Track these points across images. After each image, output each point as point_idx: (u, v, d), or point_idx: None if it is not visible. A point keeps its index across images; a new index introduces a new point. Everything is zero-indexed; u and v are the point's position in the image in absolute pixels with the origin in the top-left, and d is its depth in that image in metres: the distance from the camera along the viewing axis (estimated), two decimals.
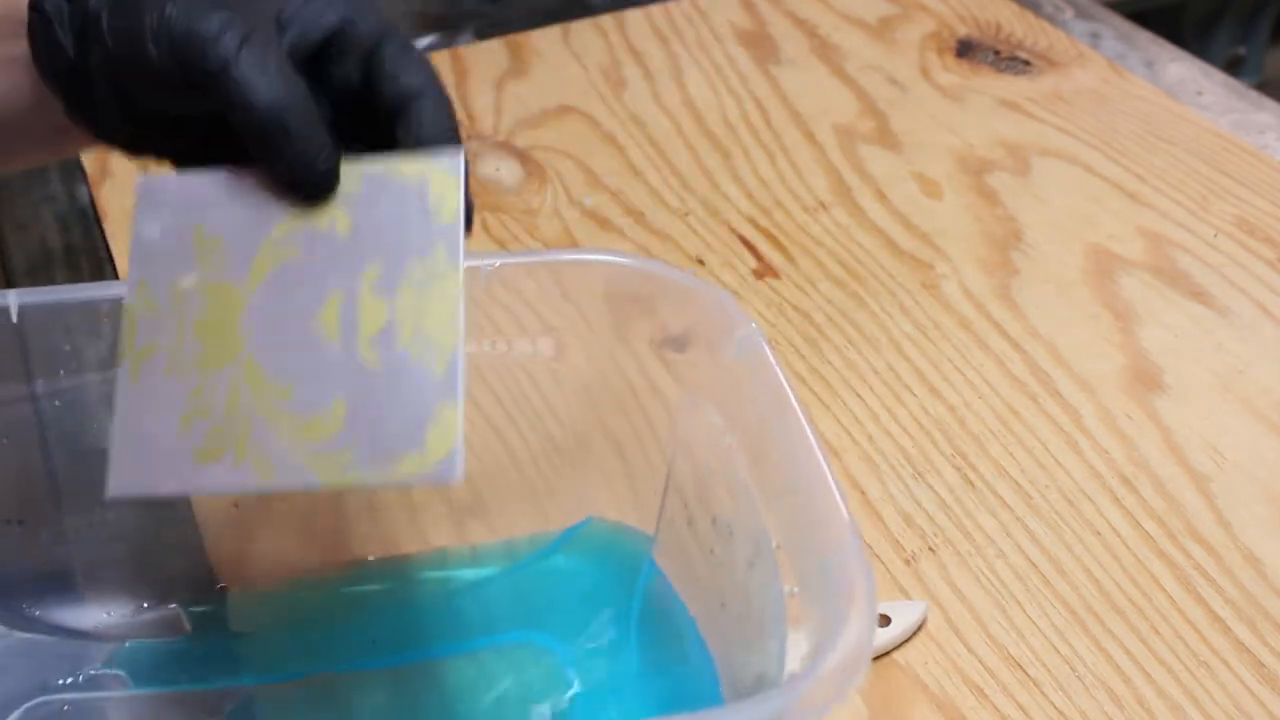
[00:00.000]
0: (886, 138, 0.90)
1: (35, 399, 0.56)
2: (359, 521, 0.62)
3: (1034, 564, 0.63)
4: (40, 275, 0.83)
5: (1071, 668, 0.58)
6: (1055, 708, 0.57)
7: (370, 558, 0.62)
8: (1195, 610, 0.61)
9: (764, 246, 0.82)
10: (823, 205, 0.85)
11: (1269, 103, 0.93)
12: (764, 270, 0.80)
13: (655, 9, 1.04)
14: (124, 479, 0.44)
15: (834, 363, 0.74)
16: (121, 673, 0.58)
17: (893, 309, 0.77)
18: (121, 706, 0.57)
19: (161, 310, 0.46)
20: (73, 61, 0.48)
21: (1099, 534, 0.64)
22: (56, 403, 0.56)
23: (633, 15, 1.03)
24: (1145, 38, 1.01)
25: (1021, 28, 1.01)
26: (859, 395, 0.72)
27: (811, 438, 0.48)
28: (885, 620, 0.59)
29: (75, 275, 0.83)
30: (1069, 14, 1.04)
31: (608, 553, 0.61)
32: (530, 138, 0.91)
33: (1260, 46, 1.65)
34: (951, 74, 0.96)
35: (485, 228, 0.83)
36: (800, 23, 1.02)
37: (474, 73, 0.97)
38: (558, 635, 0.59)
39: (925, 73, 0.96)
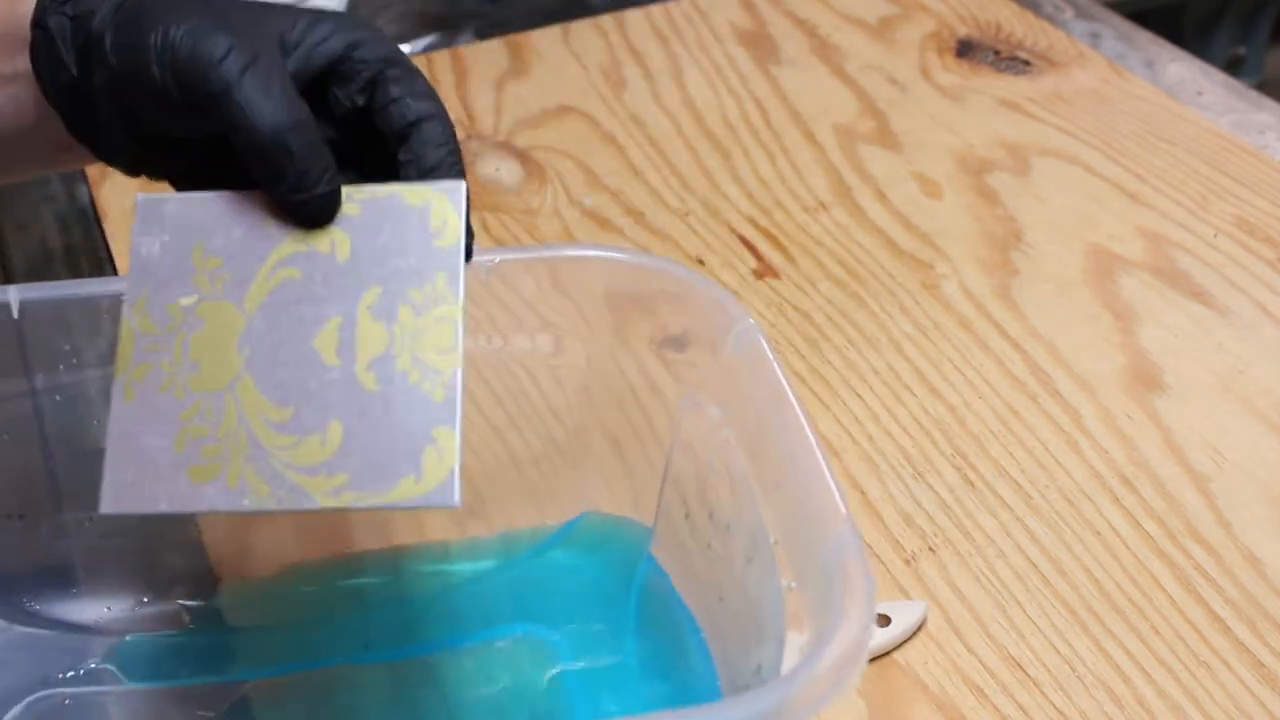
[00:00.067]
0: (886, 138, 0.90)
1: (35, 394, 0.56)
2: (358, 516, 0.62)
3: (1034, 564, 0.63)
4: (40, 275, 0.83)
5: (1071, 668, 0.58)
6: (1055, 708, 0.57)
7: (368, 552, 0.62)
8: (1195, 610, 0.61)
9: (764, 246, 0.82)
10: (823, 205, 0.85)
11: (1269, 103, 0.93)
12: (764, 270, 0.80)
13: (655, 9, 1.04)
14: (117, 496, 0.45)
15: (834, 363, 0.74)
16: (121, 667, 0.58)
17: (893, 309, 0.77)
18: (121, 700, 0.57)
19: (158, 329, 0.46)
20: (75, 79, 0.48)
21: (1099, 534, 0.64)
22: (57, 398, 0.56)
23: (633, 15, 1.03)
24: (1145, 38, 1.01)
25: (1021, 28, 1.01)
26: (859, 395, 0.72)
27: (809, 433, 0.48)
28: (885, 620, 0.59)
29: (75, 275, 0.83)
30: (1069, 14, 1.04)
31: (606, 547, 0.61)
32: (530, 138, 0.91)
33: (1260, 46, 1.65)
34: (951, 74, 0.96)
35: (485, 228, 0.83)
36: (800, 23, 1.02)
37: (474, 73, 0.97)
38: (555, 629, 0.59)
39: (925, 73, 0.96)
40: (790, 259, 0.81)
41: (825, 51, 0.99)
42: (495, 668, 0.58)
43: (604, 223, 0.83)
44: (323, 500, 0.44)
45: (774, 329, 0.76)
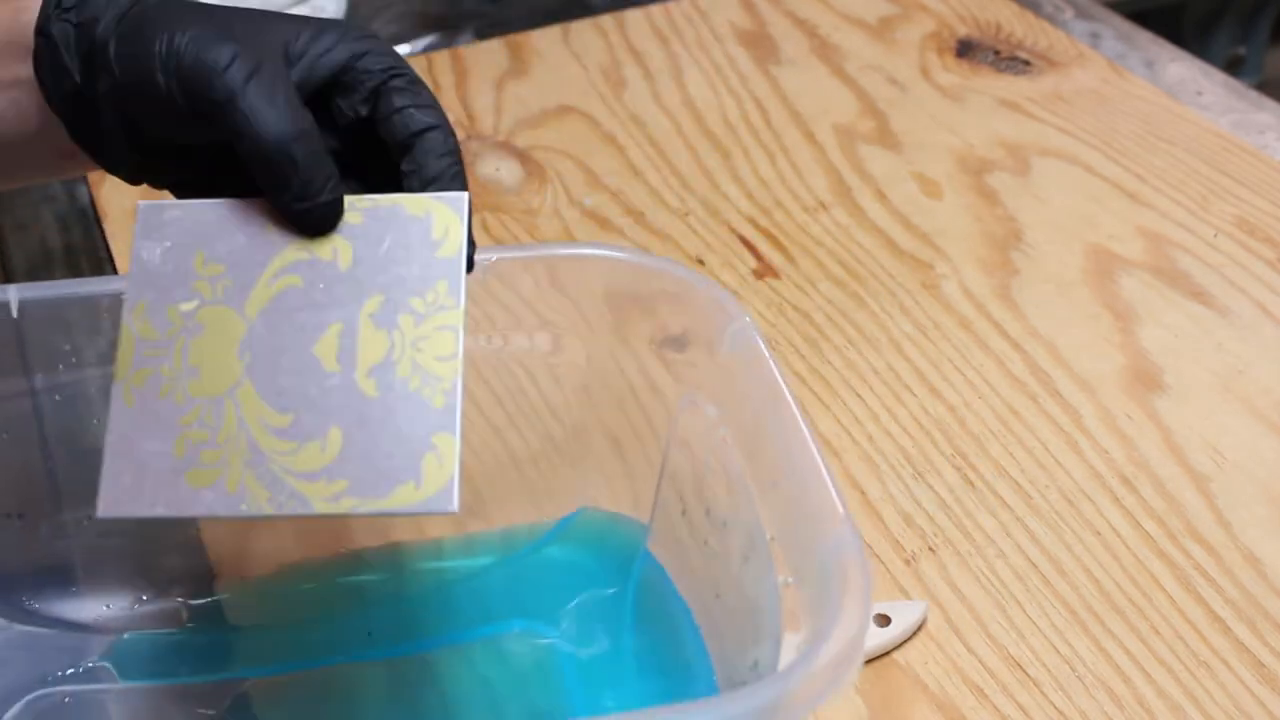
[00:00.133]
0: (886, 138, 0.90)
1: (35, 394, 0.56)
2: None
3: (1034, 564, 0.63)
4: (40, 275, 0.83)
5: (1071, 668, 0.58)
6: (1055, 708, 0.57)
7: (367, 550, 0.62)
8: (1195, 610, 0.60)
9: (764, 246, 0.82)
10: (823, 205, 0.85)
11: (1269, 103, 0.93)
12: (764, 270, 0.80)
13: (655, 9, 1.04)
14: (115, 500, 0.45)
15: (834, 363, 0.74)
16: (121, 665, 0.58)
17: (893, 309, 0.77)
18: (121, 699, 0.57)
19: (159, 334, 0.46)
20: (78, 87, 0.48)
21: (1099, 534, 0.64)
22: (56, 397, 0.56)
23: (633, 15, 1.03)
24: (1145, 38, 1.01)
25: (1021, 28, 1.01)
26: (859, 395, 0.72)
27: (806, 431, 0.48)
28: (885, 620, 0.59)
29: (75, 275, 0.83)
30: (1069, 14, 1.04)
31: (603, 543, 0.62)
32: (530, 138, 0.91)
33: (1260, 46, 1.65)
34: (951, 74, 0.96)
35: (485, 228, 0.83)
36: (800, 23, 1.02)
37: (474, 73, 0.97)
38: (553, 624, 0.60)
39: (925, 73, 0.96)
40: (790, 259, 0.81)
41: (825, 51, 0.99)
42: (493, 664, 0.58)
43: (604, 223, 0.83)
44: (321, 506, 0.44)
45: (774, 329, 0.76)
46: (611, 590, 0.60)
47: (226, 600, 0.60)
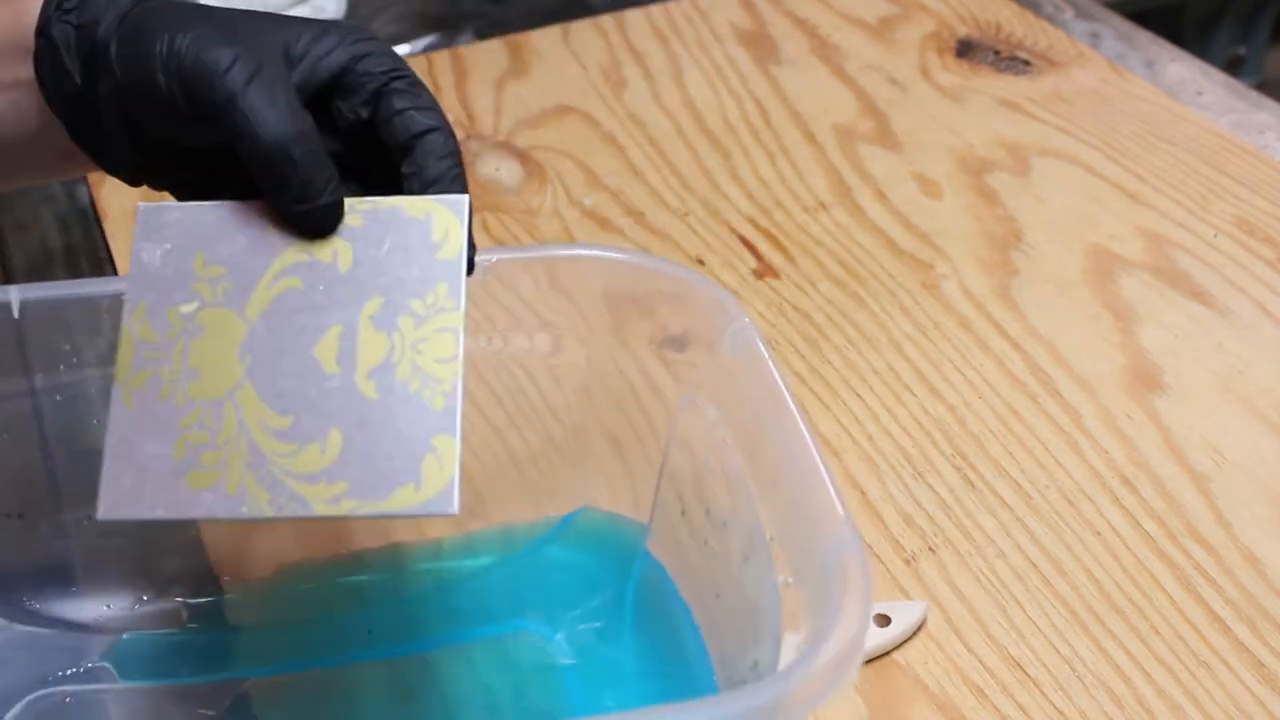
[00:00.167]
0: (886, 138, 0.90)
1: (35, 394, 0.56)
2: None
3: (1034, 564, 0.63)
4: (40, 275, 0.83)
5: (1071, 668, 0.58)
6: (1055, 708, 0.57)
7: (367, 550, 0.62)
8: (1195, 610, 0.61)
9: (764, 246, 0.82)
10: (823, 205, 0.85)
11: (1269, 103, 0.93)
12: (764, 270, 0.80)
13: (655, 9, 1.04)
14: (115, 502, 0.45)
15: (834, 363, 0.74)
16: (121, 665, 0.58)
17: (893, 309, 0.77)
18: (121, 699, 0.57)
19: (159, 336, 0.46)
20: (79, 88, 0.48)
21: (1099, 534, 0.64)
22: (57, 397, 0.56)
23: (633, 15, 1.03)
24: (1145, 38, 1.01)
25: (1021, 28, 1.01)
26: (859, 395, 0.72)
27: (805, 431, 0.48)
28: (885, 620, 0.59)
29: (75, 275, 0.83)
30: (1069, 14, 1.04)
31: (603, 543, 0.62)
32: (530, 138, 0.91)
33: (1260, 46, 1.65)
34: (951, 74, 0.96)
35: (485, 228, 0.83)
36: (800, 23, 1.02)
37: (474, 73, 0.97)
38: (554, 624, 0.60)
39: (925, 73, 0.96)
40: (790, 259, 0.81)
41: (825, 51, 0.99)
42: (493, 664, 0.58)
43: (604, 223, 0.83)
44: (322, 508, 0.44)
45: (774, 329, 0.76)
46: (611, 590, 0.60)
47: (227, 600, 0.60)
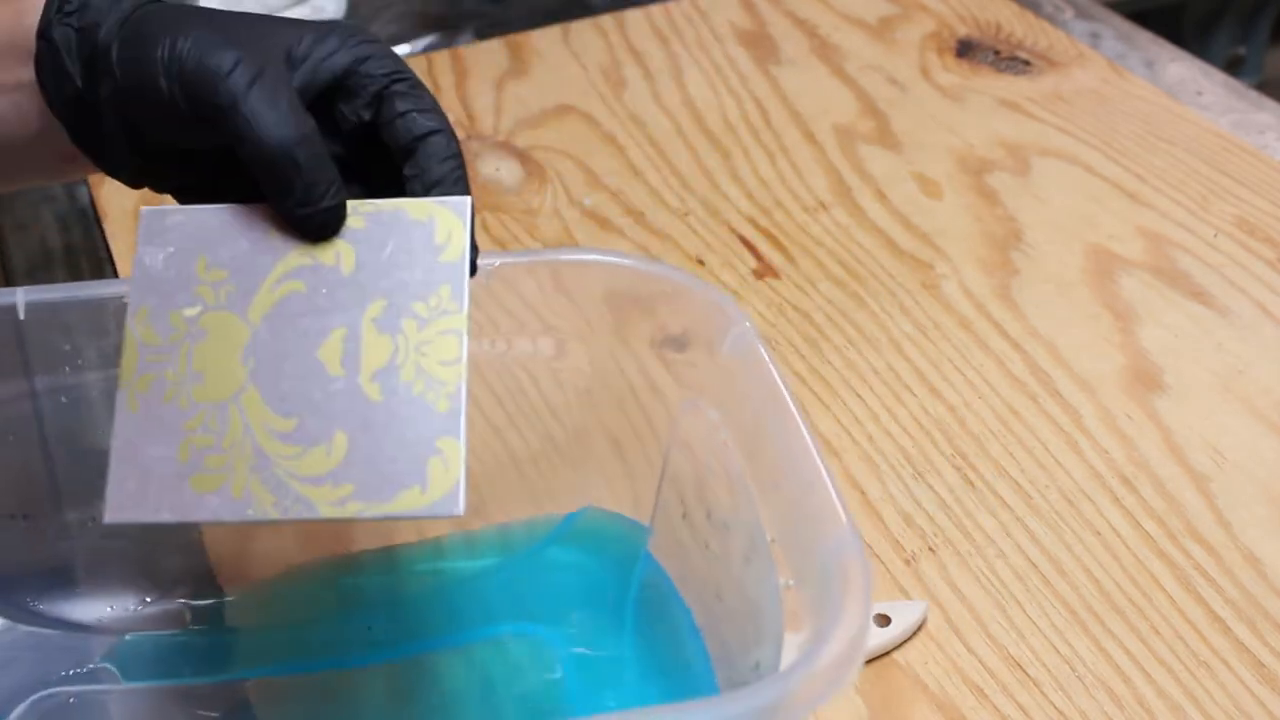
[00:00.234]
0: (886, 138, 0.90)
1: (35, 396, 0.56)
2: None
3: (1034, 564, 0.63)
4: (40, 275, 0.83)
5: (1071, 668, 0.58)
6: (1055, 708, 0.57)
7: (368, 551, 0.62)
8: (1195, 610, 0.61)
9: (764, 246, 0.82)
10: (823, 205, 0.85)
11: (1269, 103, 0.93)
12: (764, 270, 0.80)
13: (655, 9, 1.04)
14: (120, 505, 0.45)
15: (834, 363, 0.74)
16: (124, 666, 0.58)
17: (893, 309, 0.77)
18: (124, 699, 0.57)
19: (162, 339, 0.47)
20: (80, 91, 0.48)
21: (1099, 534, 0.64)
22: (63, 399, 0.56)
23: (633, 15, 1.03)
24: (1145, 38, 1.01)
25: (1021, 28, 1.01)
26: (859, 395, 0.72)
27: (806, 433, 0.49)
28: (885, 620, 0.59)
29: (75, 275, 0.83)
30: (1069, 14, 1.04)
31: (604, 544, 0.62)
32: (530, 138, 0.91)
33: (1260, 46, 1.65)
34: (951, 74, 0.96)
35: (485, 228, 0.83)
36: (800, 23, 1.02)
37: (474, 73, 0.97)
38: (554, 626, 0.60)
39: (925, 73, 0.96)
40: (790, 259, 0.81)
41: (825, 51, 0.99)
42: (494, 665, 0.58)
43: (604, 223, 0.84)
44: (327, 510, 0.44)
45: (774, 329, 0.76)
46: (613, 592, 0.60)
47: (229, 602, 0.60)
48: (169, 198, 0.51)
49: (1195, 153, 0.87)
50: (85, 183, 0.88)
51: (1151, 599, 0.61)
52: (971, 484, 0.67)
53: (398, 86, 0.48)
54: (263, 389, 0.46)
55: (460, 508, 0.44)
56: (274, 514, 0.44)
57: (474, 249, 0.48)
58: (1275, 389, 0.71)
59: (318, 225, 0.47)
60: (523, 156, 0.89)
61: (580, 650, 0.59)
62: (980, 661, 0.59)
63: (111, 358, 0.54)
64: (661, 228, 0.83)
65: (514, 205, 0.85)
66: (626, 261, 0.57)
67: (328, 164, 0.46)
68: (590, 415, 0.61)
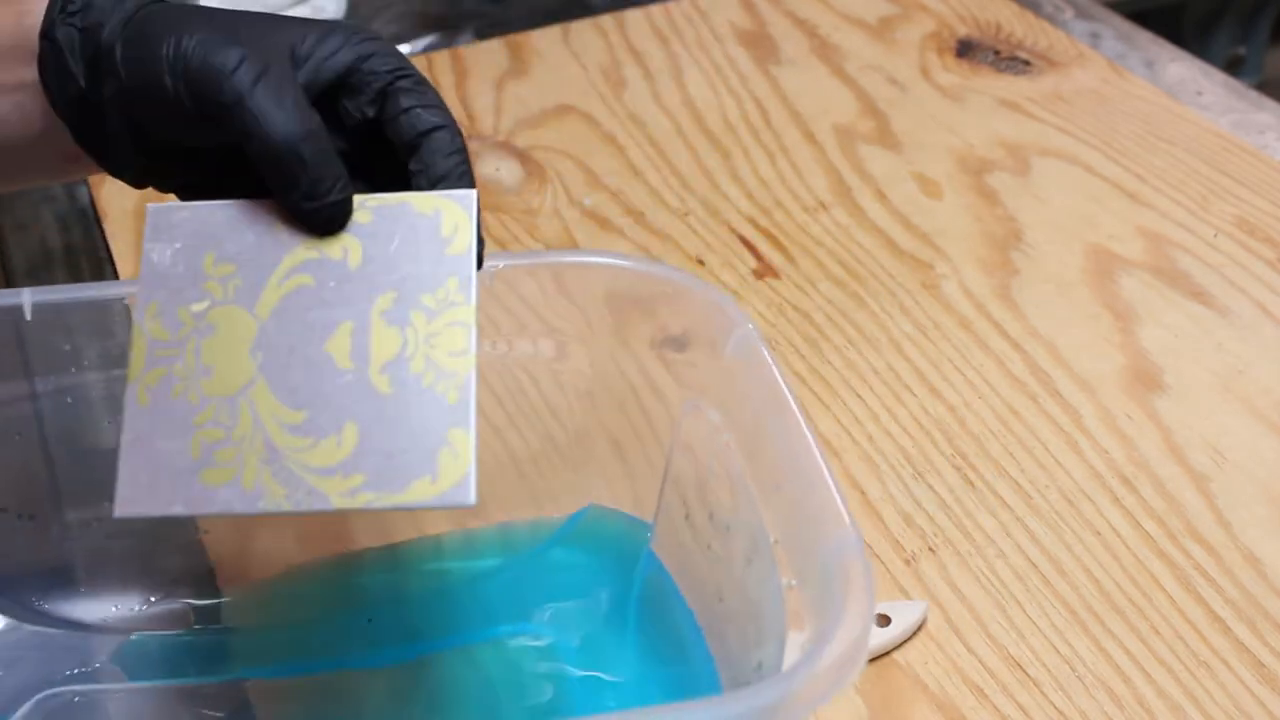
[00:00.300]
0: (886, 138, 0.90)
1: (36, 397, 0.56)
2: (359, 516, 0.62)
3: (1034, 564, 0.63)
4: (40, 275, 0.83)
5: (1071, 668, 0.58)
6: (1055, 708, 0.57)
7: (370, 551, 0.62)
8: (1195, 610, 0.61)
9: (764, 246, 0.82)
10: (823, 205, 0.85)
11: (1269, 103, 0.93)
12: (764, 270, 0.80)
13: (655, 9, 1.04)
14: (131, 499, 0.45)
15: (834, 363, 0.74)
16: (127, 666, 0.58)
17: (893, 309, 0.77)
18: (128, 699, 0.58)
19: (170, 334, 0.47)
20: (84, 91, 0.48)
21: (1099, 534, 0.64)
22: (69, 399, 0.56)
23: (633, 15, 1.03)
24: (1145, 38, 1.01)
25: (1021, 28, 1.01)
26: (859, 395, 0.72)
27: (808, 435, 0.49)
28: (885, 620, 0.59)
29: (75, 275, 0.83)
30: (1069, 14, 1.04)
31: (606, 544, 0.62)
32: (530, 138, 0.91)
33: (1260, 46, 1.65)
34: (951, 74, 0.96)
35: (485, 228, 0.83)
36: (800, 23, 1.02)
37: (474, 73, 0.97)
38: (556, 626, 0.60)
39: (925, 73, 0.97)
40: (790, 259, 0.81)
41: (825, 51, 0.99)
42: (496, 665, 0.58)
43: (604, 223, 0.84)
44: (339, 501, 0.44)
45: (774, 329, 0.76)
46: (615, 593, 0.60)
47: (232, 602, 0.61)
48: (172, 197, 0.51)
49: (1195, 153, 0.87)
50: (85, 183, 0.88)
51: (1151, 599, 0.61)
52: (971, 484, 0.67)
53: (401, 83, 0.48)
54: (272, 382, 0.46)
55: (471, 498, 0.44)
56: (286, 505, 0.44)
57: (480, 241, 0.48)
58: (1275, 389, 0.71)
59: (325, 220, 0.47)
60: (523, 156, 0.89)
61: (582, 650, 0.59)
62: (980, 661, 0.59)
63: (113, 358, 0.54)
64: (661, 228, 0.83)
65: (514, 205, 0.85)
66: (627, 263, 0.57)
67: (334, 159, 0.47)
68: (591, 417, 0.61)
